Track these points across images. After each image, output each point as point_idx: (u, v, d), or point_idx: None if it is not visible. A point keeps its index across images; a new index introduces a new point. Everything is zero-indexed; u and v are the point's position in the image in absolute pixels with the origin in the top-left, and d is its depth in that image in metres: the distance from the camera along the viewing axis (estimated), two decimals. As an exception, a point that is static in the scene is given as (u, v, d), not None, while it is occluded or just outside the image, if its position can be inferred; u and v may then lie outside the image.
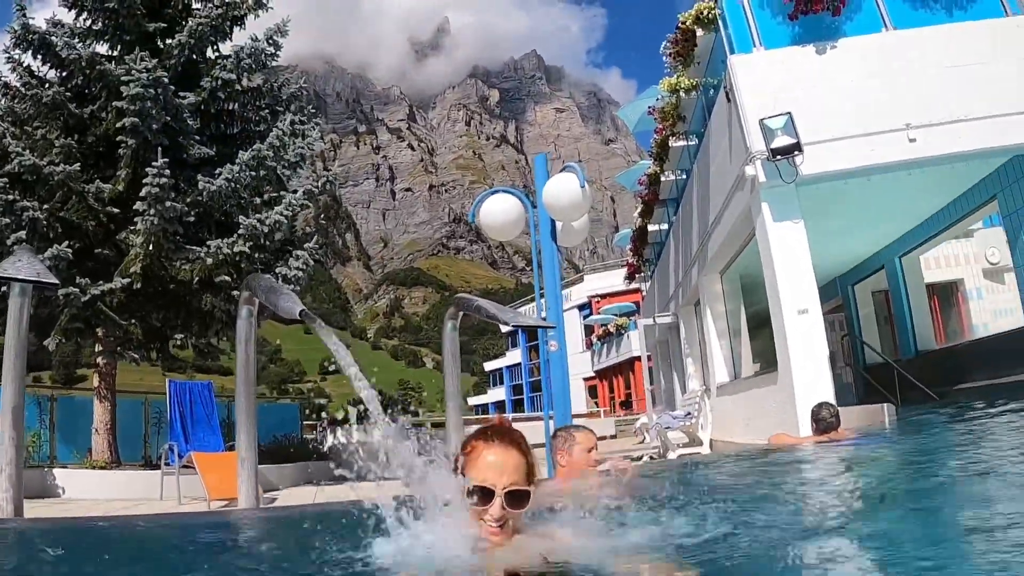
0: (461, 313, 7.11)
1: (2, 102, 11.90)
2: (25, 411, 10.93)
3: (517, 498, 2.21)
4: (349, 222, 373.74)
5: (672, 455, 12.86)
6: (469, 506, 2.20)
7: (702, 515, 3.06)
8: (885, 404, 7.77)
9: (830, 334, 12.39)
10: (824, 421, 6.63)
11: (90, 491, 10.61)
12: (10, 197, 10.56)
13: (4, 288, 6.28)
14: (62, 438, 12.39)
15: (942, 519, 2.76)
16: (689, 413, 13.56)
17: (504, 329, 59.17)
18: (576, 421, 25.47)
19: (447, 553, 2.22)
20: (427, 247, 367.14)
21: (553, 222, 12.39)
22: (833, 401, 7.85)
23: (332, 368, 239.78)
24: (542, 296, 12.69)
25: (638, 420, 21.60)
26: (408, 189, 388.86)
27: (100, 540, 3.51)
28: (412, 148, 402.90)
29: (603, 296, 45.25)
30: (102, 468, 11.42)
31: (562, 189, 11.85)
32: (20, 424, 5.57)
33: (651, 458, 12.96)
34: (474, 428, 2.45)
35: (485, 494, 2.19)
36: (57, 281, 5.46)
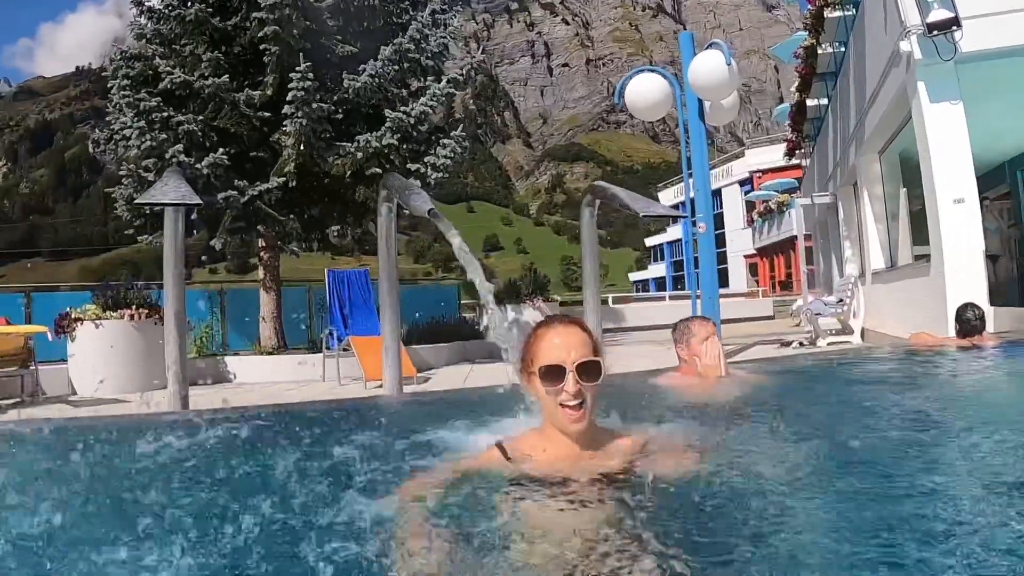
0: (598, 201, 7.13)
1: (148, 26, 12.38)
2: (195, 305, 12.02)
3: (588, 370, 2.21)
4: (507, 100, 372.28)
5: (822, 342, 12.53)
6: (545, 392, 2.22)
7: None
8: (1038, 307, 7.22)
9: (997, 222, 11.47)
10: (968, 323, 6.19)
11: (259, 375, 11.54)
12: (165, 114, 11.25)
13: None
14: (233, 327, 13.55)
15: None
16: (841, 300, 13.06)
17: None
18: (735, 301, 25.24)
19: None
20: (587, 122, 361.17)
21: (701, 101, 11.96)
22: (985, 299, 7.39)
23: (499, 246, 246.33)
24: (690, 176, 12.43)
25: (795, 302, 21.03)
26: (565, 64, 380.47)
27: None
28: (566, 23, 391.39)
29: (764, 172, 43.44)
30: (269, 353, 12.38)
31: (708, 67, 11.36)
32: (182, 326, 6.15)
33: (800, 344, 12.67)
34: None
35: (557, 372, 2.19)
36: (200, 201, 5.88)
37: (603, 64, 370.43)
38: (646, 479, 2.13)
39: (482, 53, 17.08)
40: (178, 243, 6.01)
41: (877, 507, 1.95)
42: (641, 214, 5.99)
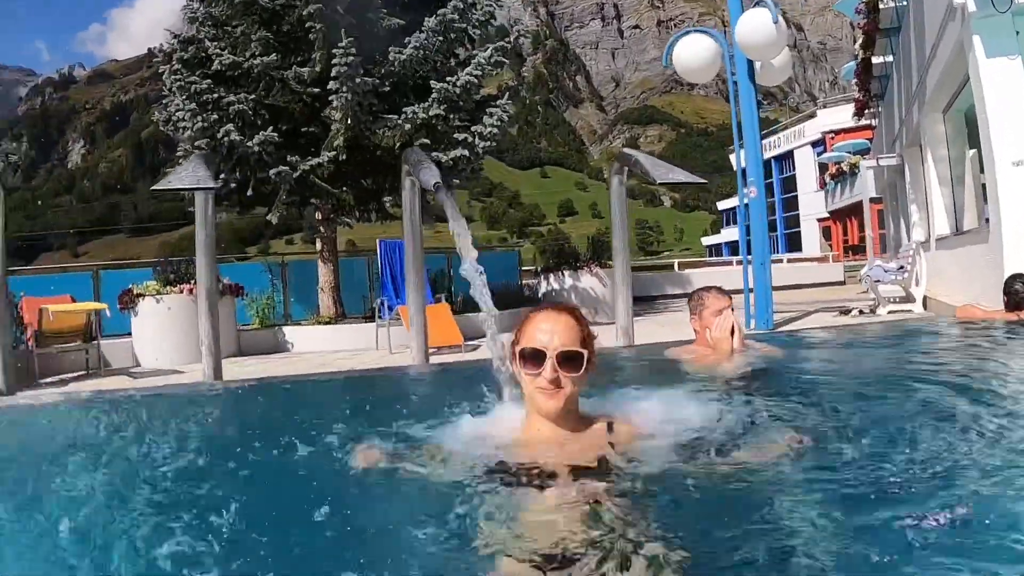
0: (626, 169, 7.04)
1: (200, 9, 12.60)
2: (258, 277, 12.29)
3: (570, 359, 2.18)
4: (579, 64, 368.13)
5: (883, 310, 12.14)
6: (523, 374, 2.22)
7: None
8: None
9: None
10: (1016, 295, 5.88)
11: (316, 345, 11.87)
12: (216, 95, 11.50)
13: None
14: (296, 298, 13.85)
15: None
16: (902, 267, 12.60)
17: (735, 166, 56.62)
18: (805, 266, 24.53)
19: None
20: (659, 84, 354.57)
21: (750, 61, 11.60)
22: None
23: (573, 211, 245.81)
24: (741, 145, 12.12)
25: (864, 267, 20.38)
26: (636, 26, 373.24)
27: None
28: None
29: (837, 132, 41.99)
30: (327, 323, 12.64)
31: (754, 26, 10.99)
32: (214, 304, 6.38)
33: (860, 312, 12.30)
34: None
35: (536, 356, 2.17)
36: (214, 185, 6.01)
37: (675, 25, 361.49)
38: (622, 464, 2.12)
39: (524, 23, 16.81)
40: (208, 224, 6.19)
41: (852, 499, 1.93)
42: (659, 181, 5.92)
